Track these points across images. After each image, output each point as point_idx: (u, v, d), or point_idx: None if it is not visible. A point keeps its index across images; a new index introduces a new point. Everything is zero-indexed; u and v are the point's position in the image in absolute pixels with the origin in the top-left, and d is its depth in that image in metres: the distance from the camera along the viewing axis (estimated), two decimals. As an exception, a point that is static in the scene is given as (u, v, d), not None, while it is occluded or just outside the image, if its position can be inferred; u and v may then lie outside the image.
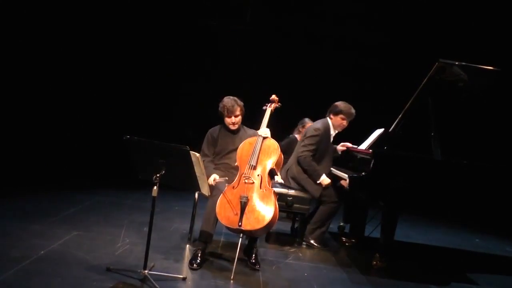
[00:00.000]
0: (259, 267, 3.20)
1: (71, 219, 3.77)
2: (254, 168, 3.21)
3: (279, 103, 3.59)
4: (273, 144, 3.35)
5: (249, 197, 3.05)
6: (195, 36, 6.58)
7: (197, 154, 2.67)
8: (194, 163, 2.65)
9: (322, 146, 3.88)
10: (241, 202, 3.01)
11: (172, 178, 2.71)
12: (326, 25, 6.18)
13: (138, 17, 6.44)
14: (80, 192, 4.82)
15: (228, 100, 3.46)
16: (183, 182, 2.80)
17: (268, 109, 3.53)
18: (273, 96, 3.60)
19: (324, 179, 3.80)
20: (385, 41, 6.25)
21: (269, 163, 3.26)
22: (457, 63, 3.43)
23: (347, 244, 4.07)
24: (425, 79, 3.46)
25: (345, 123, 3.91)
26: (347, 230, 4.28)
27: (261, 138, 3.33)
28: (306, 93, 6.11)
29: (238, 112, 3.46)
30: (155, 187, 2.64)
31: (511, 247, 5.05)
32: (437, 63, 3.39)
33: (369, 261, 3.52)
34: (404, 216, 3.63)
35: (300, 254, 3.62)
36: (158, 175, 2.63)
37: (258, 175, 3.18)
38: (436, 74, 3.43)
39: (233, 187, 3.15)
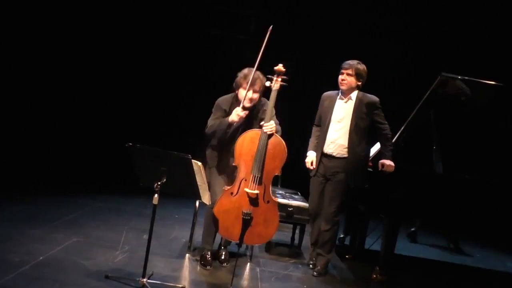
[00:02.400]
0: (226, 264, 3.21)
1: (71, 225, 3.77)
2: (258, 177, 2.86)
3: (284, 76, 2.92)
4: (279, 143, 2.90)
5: (252, 214, 2.80)
6: (199, 45, 6.62)
7: (199, 163, 2.67)
8: (195, 172, 2.66)
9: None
10: (243, 219, 2.80)
11: (173, 186, 2.70)
12: (326, 35, 6.22)
13: (143, 24, 6.47)
14: (80, 197, 4.81)
15: (250, 70, 2.92)
16: (184, 190, 2.79)
17: (274, 88, 2.88)
18: (279, 67, 2.94)
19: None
20: (388, 51, 6.28)
21: (274, 169, 2.89)
22: (459, 77, 3.45)
23: (347, 256, 4.05)
24: (428, 93, 3.47)
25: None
26: (347, 242, 4.26)
27: (266, 136, 2.85)
28: (308, 103, 6.12)
29: (258, 87, 2.93)
30: (156, 195, 2.64)
31: (511, 262, 5.02)
32: (439, 77, 3.41)
33: (369, 274, 3.50)
34: (405, 229, 3.61)
35: (300, 266, 3.60)
36: (159, 182, 2.63)
37: (262, 184, 2.86)
38: (438, 87, 3.44)
39: (232, 193, 2.87)
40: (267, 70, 3.05)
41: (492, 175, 3.52)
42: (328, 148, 3.35)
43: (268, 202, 2.90)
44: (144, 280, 2.67)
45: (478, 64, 5.33)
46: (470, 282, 4.08)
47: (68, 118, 6.32)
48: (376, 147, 3.89)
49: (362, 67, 3.33)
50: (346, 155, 3.31)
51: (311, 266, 3.51)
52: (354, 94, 3.35)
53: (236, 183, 2.92)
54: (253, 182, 2.87)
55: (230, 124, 3.05)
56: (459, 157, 3.58)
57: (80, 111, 6.39)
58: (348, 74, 3.31)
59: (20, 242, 3.17)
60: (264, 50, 2.90)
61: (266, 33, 2.90)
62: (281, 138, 2.98)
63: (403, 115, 3.70)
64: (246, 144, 2.91)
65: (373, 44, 6.23)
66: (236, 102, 3.07)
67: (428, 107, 3.54)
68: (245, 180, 2.89)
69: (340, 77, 3.34)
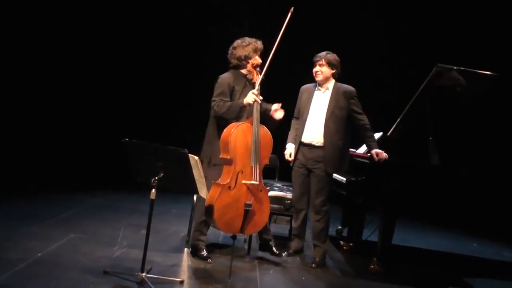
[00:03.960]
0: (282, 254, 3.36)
1: (69, 221, 3.76)
2: (256, 168, 2.94)
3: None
4: (266, 133, 3.04)
5: (252, 204, 2.88)
6: (194, 41, 6.58)
7: (196, 157, 2.67)
8: (192, 166, 2.65)
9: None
10: (245, 210, 2.85)
11: (170, 181, 2.70)
12: (320, 32, 6.20)
13: (139, 22, 6.43)
14: (78, 194, 4.81)
15: (254, 40, 3.07)
16: (182, 185, 2.79)
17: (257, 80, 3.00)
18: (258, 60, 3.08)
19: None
20: (383, 45, 6.27)
21: (265, 158, 3.04)
22: (455, 68, 3.44)
23: (344, 247, 4.06)
24: (423, 84, 3.47)
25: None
26: (344, 233, 4.28)
27: (259, 128, 2.94)
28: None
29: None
30: (153, 190, 2.64)
31: (507, 251, 5.06)
32: (435, 68, 3.41)
33: (366, 265, 3.51)
34: (401, 220, 3.63)
35: (298, 258, 3.61)
36: (156, 178, 2.63)
37: (258, 176, 2.96)
38: (434, 79, 3.44)
39: (230, 187, 2.90)
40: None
41: (489, 166, 3.53)
42: (307, 138, 3.42)
43: (261, 190, 3.02)
44: (143, 274, 2.67)
45: (474, 56, 5.33)
46: (467, 272, 4.11)
47: (64, 115, 6.28)
48: (364, 148, 3.91)
49: (332, 56, 3.44)
50: (323, 143, 3.38)
51: (285, 254, 3.52)
52: (331, 85, 3.46)
53: (233, 177, 2.94)
54: (253, 174, 2.94)
55: (243, 106, 3.02)
56: (456, 149, 3.58)
57: (76, 109, 6.36)
58: (320, 65, 3.42)
59: (17, 239, 3.17)
60: (283, 32, 3.01)
61: (287, 16, 3.00)
62: (267, 129, 3.08)
63: (398, 107, 3.71)
64: (240, 137, 2.95)
65: (369, 38, 6.23)
66: (247, 80, 3.08)
67: (424, 98, 3.54)
68: (242, 172, 2.94)
69: (314, 69, 3.45)
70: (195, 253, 3.26)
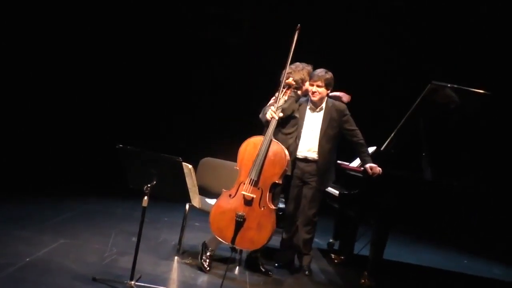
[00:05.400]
0: (269, 272, 3.29)
1: (59, 227, 3.72)
2: (255, 180, 2.92)
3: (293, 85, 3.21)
4: (280, 151, 2.98)
5: (246, 216, 2.85)
6: (192, 49, 6.61)
7: (189, 166, 2.67)
8: (186, 175, 2.65)
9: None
10: (236, 220, 2.85)
11: (164, 189, 2.69)
12: (318, 39, 6.26)
13: (137, 28, 6.46)
14: (69, 199, 4.77)
15: (302, 65, 3.32)
16: (174, 193, 2.79)
17: (282, 94, 3.10)
18: (290, 80, 3.18)
19: None
20: (380, 60, 6.33)
21: (273, 175, 2.94)
22: (449, 85, 3.49)
23: (336, 261, 4.06)
24: (418, 100, 3.51)
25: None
26: (336, 247, 4.27)
27: (268, 142, 2.96)
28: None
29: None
30: (145, 197, 2.63)
31: (498, 269, 5.08)
32: (429, 85, 3.45)
33: (357, 279, 3.50)
34: (393, 235, 3.64)
35: (289, 270, 3.59)
36: (149, 185, 2.62)
37: (258, 189, 2.91)
38: (428, 95, 3.48)
39: (230, 195, 2.93)
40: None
41: (481, 182, 3.56)
42: (302, 153, 3.47)
43: (263, 208, 2.93)
44: (132, 282, 2.64)
45: (468, 72, 5.40)
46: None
47: (58, 120, 6.27)
48: (358, 161, 3.93)
49: (330, 75, 3.46)
50: (317, 158, 3.45)
51: (275, 265, 3.53)
52: (324, 103, 3.50)
53: (235, 186, 2.99)
54: (250, 185, 2.93)
55: (267, 121, 3.11)
56: (448, 164, 3.61)
57: (70, 114, 6.34)
58: (318, 86, 3.43)
59: (6, 243, 3.13)
60: (294, 50, 3.11)
61: (295, 33, 3.09)
62: (283, 147, 3.07)
63: (393, 122, 3.74)
64: (249, 149, 3.01)
65: (365, 51, 6.29)
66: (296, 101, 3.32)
67: (418, 114, 3.57)
68: (243, 183, 2.97)
69: (311, 89, 3.45)
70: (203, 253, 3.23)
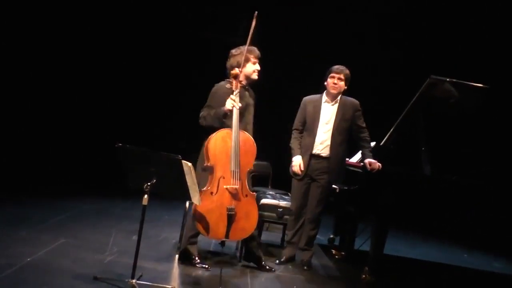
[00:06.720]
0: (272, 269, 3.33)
1: (59, 226, 3.72)
2: (237, 171, 2.97)
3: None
4: (248, 139, 3.06)
5: (235, 209, 2.92)
6: (190, 48, 6.60)
7: (189, 164, 2.66)
8: (185, 172, 2.64)
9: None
10: (228, 214, 2.90)
11: (163, 187, 2.69)
12: (316, 38, 6.25)
13: (136, 28, 6.44)
14: (69, 199, 4.77)
15: (248, 46, 3.04)
16: (174, 191, 2.78)
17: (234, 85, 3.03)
18: (236, 70, 3.06)
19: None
20: (378, 56, 6.33)
21: (248, 164, 3.03)
22: (448, 79, 3.48)
23: (336, 256, 4.06)
24: (417, 95, 3.50)
25: None
26: (336, 242, 4.28)
27: (237, 133, 2.97)
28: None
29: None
30: (145, 196, 2.62)
31: (498, 262, 5.09)
32: (428, 79, 3.44)
33: (358, 274, 3.51)
34: (393, 230, 3.65)
35: (290, 266, 3.60)
36: (149, 183, 2.62)
37: (240, 179, 2.98)
38: (427, 90, 3.47)
39: (212, 193, 2.95)
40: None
41: (480, 177, 3.56)
42: (317, 149, 3.49)
43: (246, 196, 3.02)
44: (134, 281, 2.64)
45: (468, 67, 5.40)
46: (458, 282, 4.12)
47: (56, 120, 6.25)
48: (357, 156, 3.93)
49: (348, 72, 3.51)
50: (329, 154, 3.47)
51: (277, 262, 3.55)
52: (339, 98, 3.53)
53: (214, 182, 2.98)
54: (233, 178, 2.97)
55: (225, 114, 3.04)
56: (448, 159, 3.61)
57: (68, 113, 6.33)
58: (339, 79, 3.45)
59: (6, 244, 3.12)
60: (251, 37, 3.01)
61: (252, 21, 2.98)
62: (249, 135, 3.12)
63: (392, 118, 3.74)
64: (219, 144, 3.01)
65: (362, 48, 6.28)
66: (229, 88, 3.08)
67: (417, 109, 3.57)
68: (223, 178, 2.98)
69: (331, 80, 3.45)
70: (188, 260, 3.23)
